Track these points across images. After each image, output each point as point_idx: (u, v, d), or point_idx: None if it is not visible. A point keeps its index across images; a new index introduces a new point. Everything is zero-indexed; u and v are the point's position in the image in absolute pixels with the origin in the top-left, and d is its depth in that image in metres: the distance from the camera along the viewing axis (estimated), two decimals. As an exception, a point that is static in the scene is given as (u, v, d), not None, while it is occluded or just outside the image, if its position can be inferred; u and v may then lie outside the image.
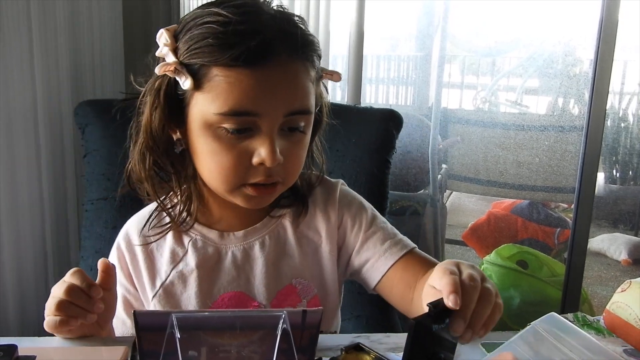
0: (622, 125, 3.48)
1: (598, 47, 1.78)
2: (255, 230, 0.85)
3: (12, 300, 1.58)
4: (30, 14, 1.55)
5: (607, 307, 0.79)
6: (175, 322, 0.52)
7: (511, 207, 2.91)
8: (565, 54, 2.87)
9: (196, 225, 0.84)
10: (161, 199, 0.84)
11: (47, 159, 1.63)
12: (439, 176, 2.47)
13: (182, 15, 1.83)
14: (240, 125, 0.71)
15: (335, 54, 2.33)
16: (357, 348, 0.67)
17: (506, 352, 0.69)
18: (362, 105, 1.63)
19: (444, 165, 2.81)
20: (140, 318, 0.52)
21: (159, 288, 0.80)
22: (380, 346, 0.74)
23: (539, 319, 0.72)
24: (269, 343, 0.53)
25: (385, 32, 3.26)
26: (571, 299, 1.95)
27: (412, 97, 3.56)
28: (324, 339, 0.72)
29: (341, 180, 0.94)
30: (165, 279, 0.81)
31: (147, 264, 0.83)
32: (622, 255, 3.05)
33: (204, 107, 0.72)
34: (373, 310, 1.20)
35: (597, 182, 1.94)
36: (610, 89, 1.82)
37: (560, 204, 2.88)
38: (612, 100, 3.40)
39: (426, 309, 0.55)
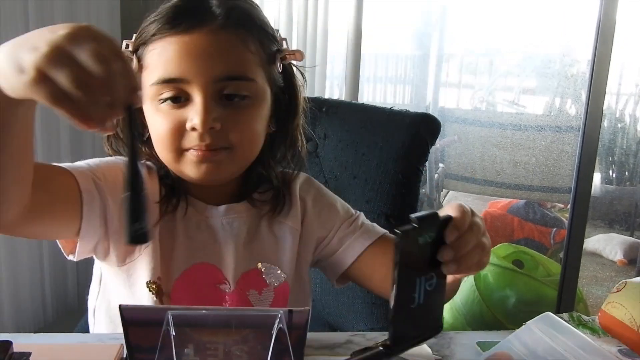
0: (619, 126, 3.49)
1: (595, 47, 1.78)
2: (234, 209, 0.85)
3: (7, 297, 1.58)
4: (28, 14, 1.55)
5: (602, 307, 0.79)
6: (170, 320, 0.52)
7: (507, 206, 2.91)
8: (563, 55, 2.88)
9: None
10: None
11: (45, 158, 1.63)
12: (436, 175, 2.48)
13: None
14: (171, 93, 0.73)
15: (333, 52, 2.33)
16: None
17: (502, 352, 0.70)
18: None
19: (440, 165, 2.82)
20: (126, 313, 0.52)
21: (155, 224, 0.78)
22: (375, 345, 0.74)
23: (535, 318, 0.72)
24: (256, 342, 0.53)
25: (384, 31, 3.26)
26: (566, 299, 1.96)
27: (410, 96, 3.57)
28: (320, 337, 0.72)
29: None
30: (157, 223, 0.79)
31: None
32: (617, 256, 3.06)
33: (144, 83, 0.74)
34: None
35: (593, 182, 1.94)
36: (607, 90, 1.83)
37: (556, 204, 2.89)
38: (609, 101, 3.41)
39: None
